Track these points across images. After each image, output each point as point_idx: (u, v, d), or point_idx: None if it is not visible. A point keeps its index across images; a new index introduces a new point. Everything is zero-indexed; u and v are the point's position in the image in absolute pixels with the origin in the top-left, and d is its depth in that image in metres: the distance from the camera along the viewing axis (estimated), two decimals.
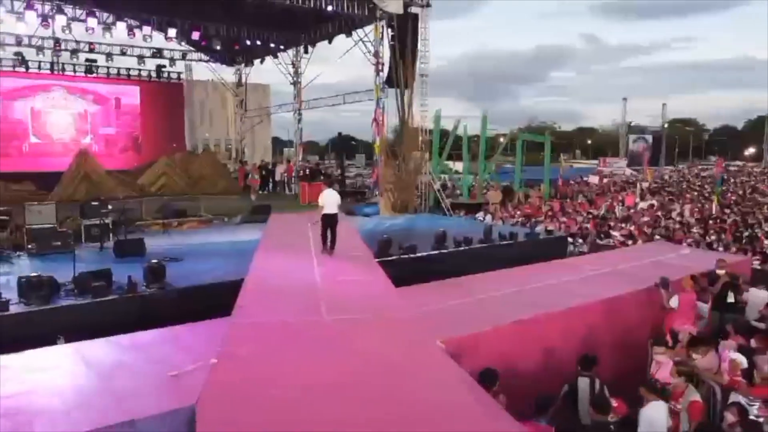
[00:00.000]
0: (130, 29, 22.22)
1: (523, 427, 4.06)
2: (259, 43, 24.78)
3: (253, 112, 31.54)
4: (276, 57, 27.09)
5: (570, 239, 17.42)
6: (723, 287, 8.31)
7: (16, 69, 24.36)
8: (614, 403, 5.20)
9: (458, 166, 31.24)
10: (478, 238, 13.68)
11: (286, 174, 26.54)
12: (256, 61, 28.90)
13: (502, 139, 30.45)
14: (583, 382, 5.94)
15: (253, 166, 27.09)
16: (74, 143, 25.50)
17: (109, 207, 13.34)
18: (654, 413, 5.17)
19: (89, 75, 26.10)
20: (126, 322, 7.30)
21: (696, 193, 28.44)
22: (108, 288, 8.71)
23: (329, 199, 10.95)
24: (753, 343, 6.80)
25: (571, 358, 6.63)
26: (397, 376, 4.78)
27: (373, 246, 11.70)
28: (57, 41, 24.63)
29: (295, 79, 26.77)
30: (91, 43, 25.37)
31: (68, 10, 20.24)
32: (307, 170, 24.88)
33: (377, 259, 11.39)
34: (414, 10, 21.72)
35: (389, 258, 11.56)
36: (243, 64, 29.90)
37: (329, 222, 10.67)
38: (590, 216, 20.69)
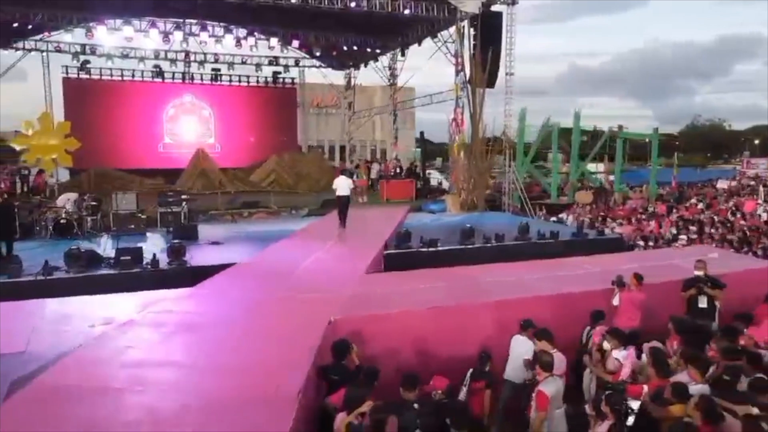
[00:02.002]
0: (237, 41, 24.78)
1: None
2: (355, 48, 26.18)
3: (361, 113, 33.18)
4: (376, 60, 28.37)
5: (641, 242, 16.59)
6: (696, 291, 7.79)
7: (155, 79, 28.27)
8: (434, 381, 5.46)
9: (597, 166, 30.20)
10: (513, 236, 13.68)
11: (383, 172, 27.63)
12: (371, 63, 30.39)
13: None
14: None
15: (362, 164, 27.24)
16: (200, 143, 28.90)
17: (183, 197, 15.43)
18: None
19: (214, 82, 29.44)
20: (144, 287, 8.79)
21: None
22: (136, 262, 10.41)
23: (341, 184, 13.79)
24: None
25: (476, 350, 6.86)
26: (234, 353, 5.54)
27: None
28: (187, 54, 28.18)
29: (391, 81, 27.83)
30: (216, 54, 28.68)
31: (186, 27, 23.17)
32: (398, 168, 25.73)
33: (393, 251, 12.12)
34: (498, 8, 21.73)
35: (402, 250, 12.11)
36: (352, 68, 31.60)
37: (342, 202, 13.69)
38: (681, 219, 19.17)
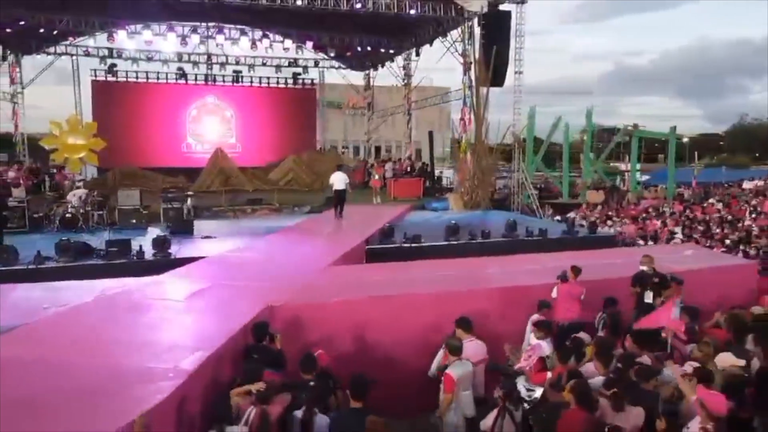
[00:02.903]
0: (253, 43, 25.48)
1: None
2: (369, 48, 26.54)
3: (381, 113, 33.53)
4: (392, 61, 28.68)
5: (641, 241, 16.47)
6: (641, 287, 7.84)
7: (178, 81, 29.26)
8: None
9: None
10: (501, 233, 13.80)
11: (397, 171, 27.88)
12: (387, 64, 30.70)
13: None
14: None
15: (376, 164, 27.00)
16: (221, 143, 29.73)
17: (187, 194, 16.09)
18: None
19: (235, 84, 30.25)
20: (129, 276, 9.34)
21: None
22: (124, 253, 11.01)
23: (337, 179, 14.94)
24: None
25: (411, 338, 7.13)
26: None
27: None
28: (209, 56, 29.08)
29: (406, 81, 28.09)
30: (237, 56, 29.51)
31: (201, 30, 24.00)
32: (409, 167, 25.95)
33: (375, 246, 12.44)
34: (507, 7, 21.73)
35: (385, 245, 12.40)
36: (371, 68, 31.99)
37: (339, 195, 14.81)
38: (687, 219, 18.85)
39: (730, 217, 18.24)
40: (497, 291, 7.93)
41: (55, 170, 24.10)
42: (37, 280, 9.45)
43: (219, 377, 5.36)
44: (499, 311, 7.77)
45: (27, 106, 26.97)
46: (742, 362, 5.37)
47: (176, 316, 6.49)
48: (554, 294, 7.61)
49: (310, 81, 31.82)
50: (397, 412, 6.08)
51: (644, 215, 20.05)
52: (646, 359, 5.60)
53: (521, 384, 5.65)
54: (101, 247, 11.60)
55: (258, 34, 25.86)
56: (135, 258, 10.91)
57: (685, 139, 75.07)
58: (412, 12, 20.40)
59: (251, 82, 30.63)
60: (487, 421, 5.20)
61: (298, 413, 4.81)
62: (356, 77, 33.01)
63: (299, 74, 31.25)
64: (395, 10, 20.23)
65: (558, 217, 19.84)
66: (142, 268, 10.56)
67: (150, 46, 26.10)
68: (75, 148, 24.89)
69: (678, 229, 17.09)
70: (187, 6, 19.86)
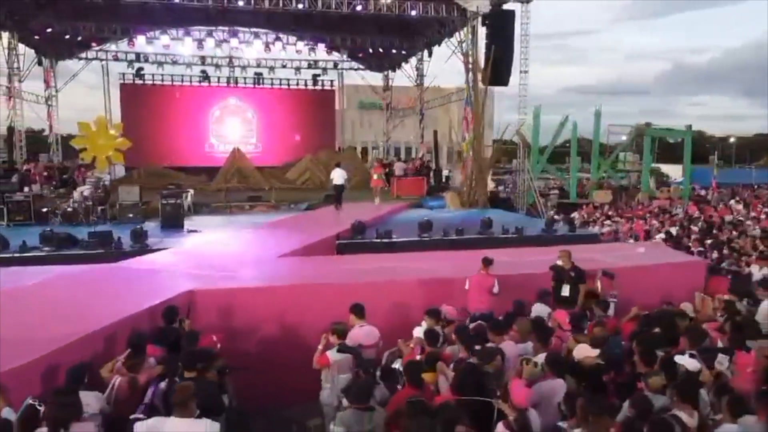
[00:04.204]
0: (266, 45, 26.32)
1: None
2: (381, 50, 26.96)
3: (399, 112, 33.90)
4: (407, 62, 29.03)
5: (632, 240, 16.32)
6: (557, 281, 7.98)
7: (201, 83, 30.43)
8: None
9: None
10: (476, 230, 13.99)
11: (409, 170, 28.18)
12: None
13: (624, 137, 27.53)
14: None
15: (376, 164, 27.76)
16: (243, 143, 30.76)
17: (187, 191, 16.91)
18: None
19: (256, 86, 31.23)
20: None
21: None
22: (104, 244, 11.79)
23: (337, 175, 16.92)
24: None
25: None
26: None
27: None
28: (230, 59, 30.14)
29: (418, 81, 28.37)
30: (258, 59, 30.47)
31: (217, 34, 25.00)
32: (419, 167, 26.20)
33: (346, 240, 12.85)
34: (511, 6, 21.78)
35: (353, 240, 12.78)
36: (389, 69, 32.41)
37: (338, 190, 16.89)
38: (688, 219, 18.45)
39: (731, 219, 17.75)
40: (416, 282, 8.21)
41: (81, 168, 25.43)
42: (21, 266, 10.31)
43: (111, 351, 5.85)
44: (416, 301, 8.03)
45: (60, 107, 28.62)
46: (596, 352, 5.53)
47: (87, 298, 7.02)
48: (467, 286, 7.83)
49: (329, 82, 32.50)
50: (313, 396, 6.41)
51: (647, 215, 19.70)
52: (506, 346, 5.78)
53: (398, 365, 6.02)
54: None
55: (271, 37, 26.68)
56: (113, 248, 11.65)
57: (732, 139, 72.44)
58: (413, 13, 20.67)
59: (272, 84, 31.56)
60: None
61: (163, 384, 5.26)
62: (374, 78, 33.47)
63: (318, 76, 31.96)
64: (396, 12, 20.56)
65: (556, 216, 19.69)
66: (118, 257, 11.33)
67: (170, 50, 27.30)
68: (102, 148, 26.37)
69: (674, 230, 16.78)
70: (198, 12, 20.79)
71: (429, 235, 13.46)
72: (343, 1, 19.86)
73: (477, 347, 5.49)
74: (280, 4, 19.43)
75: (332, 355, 6.07)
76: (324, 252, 11.71)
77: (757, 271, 11.10)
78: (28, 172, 19.71)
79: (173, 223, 14.75)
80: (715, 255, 12.36)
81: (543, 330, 5.83)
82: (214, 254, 10.28)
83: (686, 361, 5.36)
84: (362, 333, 6.53)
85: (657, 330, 6.51)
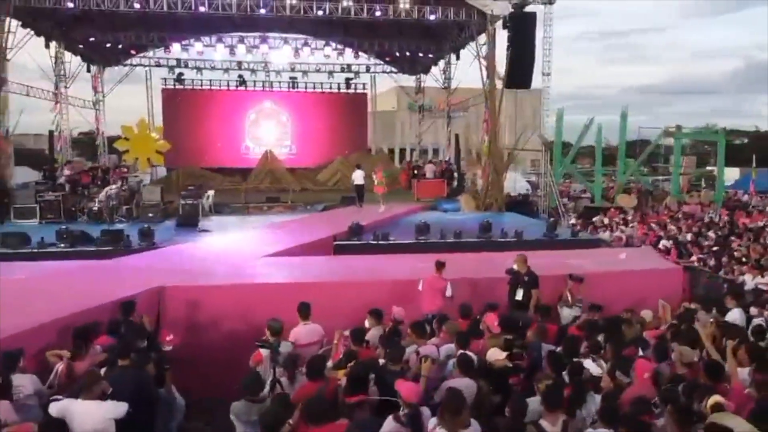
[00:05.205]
0: (295, 51, 27.08)
1: None
2: (408, 54, 27.24)
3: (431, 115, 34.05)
4: (436, 65, 29.21)
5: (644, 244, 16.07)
6: (511, 285, 8.13)
7: (238, 88, 31.52)
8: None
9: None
10: (476, 234, 14.14)
11: (437, 172, 28.35)
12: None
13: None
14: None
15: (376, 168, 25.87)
16: (278, 146, 31.68)
17: (206, 192, 17.77)
18: None
19: (291, 90, 32.08)
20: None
21: None
22: (115, 242, 12.65)
23: (358, 175, 18.46)
24: None
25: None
26: None
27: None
28: (266, 64, 31.12)
29: (446, 84, 28.50)
30: (292, 63, 31.32)
31: (248, 40, 25.97)
32: (441, 170, 26.32)
33: (343, 242, 13.29)
34: (533, 8, 21.60)
35: (350, 241, 13.19)
36: (421, 73, 32.61)
37: (358, 189, 18.44)
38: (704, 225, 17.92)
39: (752, 225, 17.11)
40: (378, 283, 8.54)
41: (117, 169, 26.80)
42: (37, 261, 11.24)
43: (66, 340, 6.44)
44: (378, 301, 8.34)
45: (107, 111, 30.31)
46: (504, 354, 5.73)
47: (61, 291, 7.70)
48: (420, 287, 8.10)
49: (362, 86, 33.00)
50: None
51: (668, 220, 19.22)
52: (425, 348, 6.02)
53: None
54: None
55: (300, 42, 27.44)
56: (122, 246, 12.48)
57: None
58: (432, 18, 20.86)
59: (306, 87, 32.33)
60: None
61: (103, 369, 5.82)
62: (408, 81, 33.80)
63: (351, 79, 32.51)
64: (415, 16, 20.81)
65: (573, 221, 19.49)
66: (125, 254, 12.14)
67: (204, 56, 28.50)
68: (143, 150, 27.93)
69: (689, 236, 16.38)
70: (224, 20, 21.71)
71: (426, 238, 13.75)
72: (363, 8, 20.23)
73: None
74: (301, 11, 20.00)
75: (263, 351, 6.49)
76: (321, 253, 12.16)
77: (750, 281, 10.91)
78: (70, 172, 21.00)
79: (188, 222, 15.57)
80: (712, 262, 12.10)
81: (461, 335, 6.05)
82: (200, 253, 10.88)
83: (590, 366, 5.50)
84: (303, 331, 6.93)
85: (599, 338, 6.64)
